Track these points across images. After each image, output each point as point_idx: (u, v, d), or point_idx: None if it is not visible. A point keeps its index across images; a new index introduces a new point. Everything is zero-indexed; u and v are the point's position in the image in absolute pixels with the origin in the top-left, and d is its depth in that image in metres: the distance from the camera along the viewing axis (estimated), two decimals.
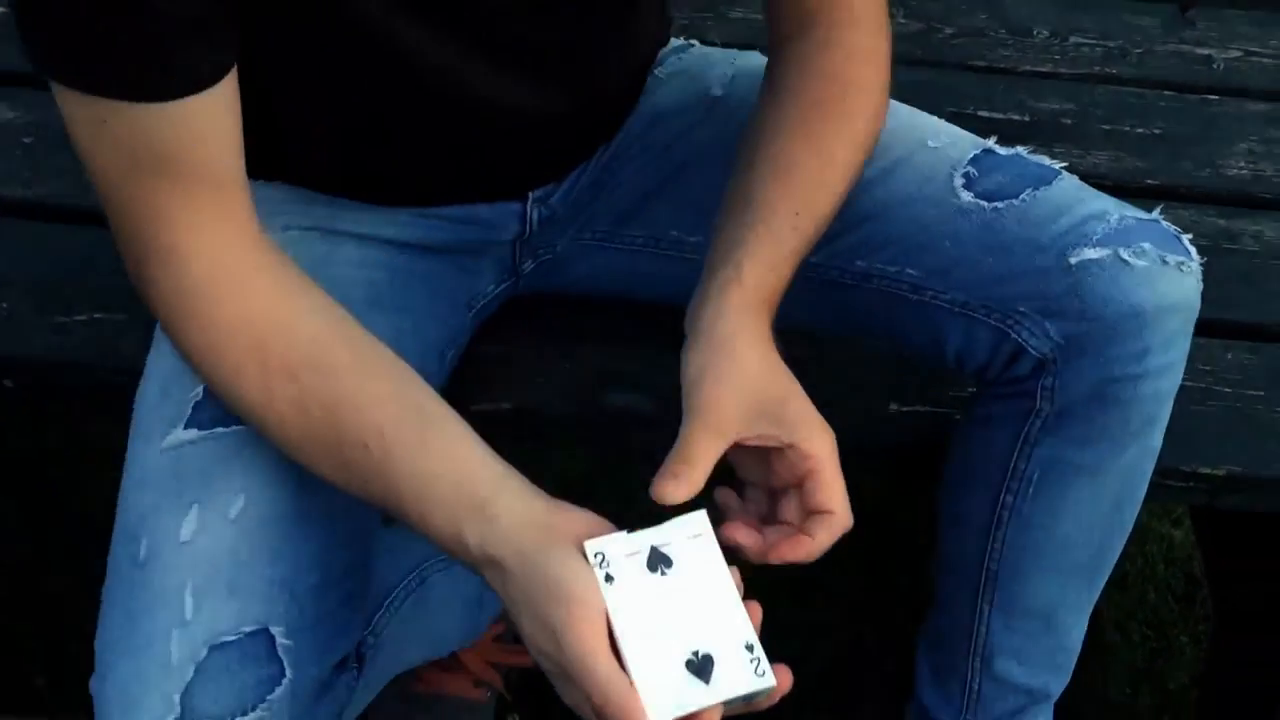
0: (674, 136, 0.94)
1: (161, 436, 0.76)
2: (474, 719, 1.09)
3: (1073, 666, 1.01)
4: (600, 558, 0.66)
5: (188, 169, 0.69)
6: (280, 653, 0.73)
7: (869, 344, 1.03)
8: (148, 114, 0.67)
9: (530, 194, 0.93)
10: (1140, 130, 1.30)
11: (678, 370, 1.01)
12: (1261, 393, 1.06)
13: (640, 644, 0.64)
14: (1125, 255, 0.81)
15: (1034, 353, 0.84)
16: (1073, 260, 0.82)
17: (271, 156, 0.81)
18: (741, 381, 0.73)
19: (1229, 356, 1.09)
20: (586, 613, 0.64)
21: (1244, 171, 1.26)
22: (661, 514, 0.70)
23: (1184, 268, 0.83)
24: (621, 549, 0.66)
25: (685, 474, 0.70)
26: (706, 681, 0.64)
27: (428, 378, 0.90)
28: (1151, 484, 1.01)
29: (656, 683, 0.64)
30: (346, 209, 0.88)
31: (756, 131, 0.81)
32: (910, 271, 0.84)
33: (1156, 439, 0.88)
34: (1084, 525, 0.91)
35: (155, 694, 0.71)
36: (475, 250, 0.95)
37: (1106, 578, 0.96)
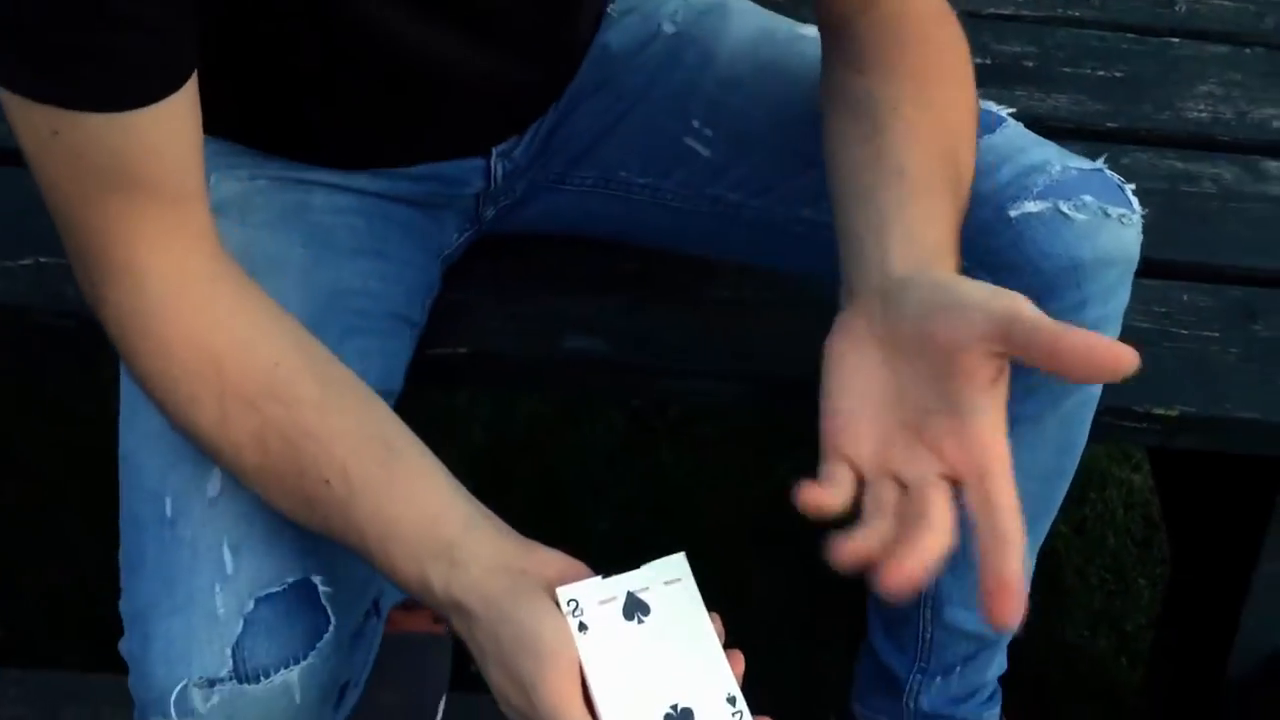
0: (625, 75, 0.93)
1: None
2: (434, 654, 1.09)
3: (1022, 610, 1.01)
4: (574, 605, 0.63)
5: (144, 183, 0.67)
6: (324, 601, 0.72)
7: (820, 290, 1.03)
8: (102, 124, 0.64)
9: (494, 150, 0.92)
10: (1101, 73, 1.29)
11: (633, 314, 1.02)
12: (1216, 334, 1.07)
13: (616, 697, 0.61)
14: (1065, 209, 0.81)
15: None
16: (1013, 214, 0.81)
17: (229, 121, 0.79)
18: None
19: (1185, 299, 1.09)
20: (559, 664, 0.61)
21: (1203, 114, 1.26)
22: (638, 551, 0.67)
23: (1125, 220, 0.83)
24: (596, 595, 0.63)
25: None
26: None
27: (413, 325, 0.90)
28: (1105, 425, 1.02)
29: None
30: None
31: (868, 112, 0.74)
32: None
33: (1096, 387, 0.88)
34: (1027, 474, 0.90)
35: (206, 649, 0.70)
36: (440, 204, 0.94)
37: (1051, 522, 0.97)
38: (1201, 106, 1.27)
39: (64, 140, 0.65)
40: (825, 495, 0.61)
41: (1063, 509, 1.68)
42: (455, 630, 0.66)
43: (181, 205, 0.69)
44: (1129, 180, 0.88)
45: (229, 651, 0.70)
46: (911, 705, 1.03)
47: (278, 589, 0.71)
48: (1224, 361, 1.05)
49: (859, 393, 0.64)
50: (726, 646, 0.65)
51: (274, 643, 0.71)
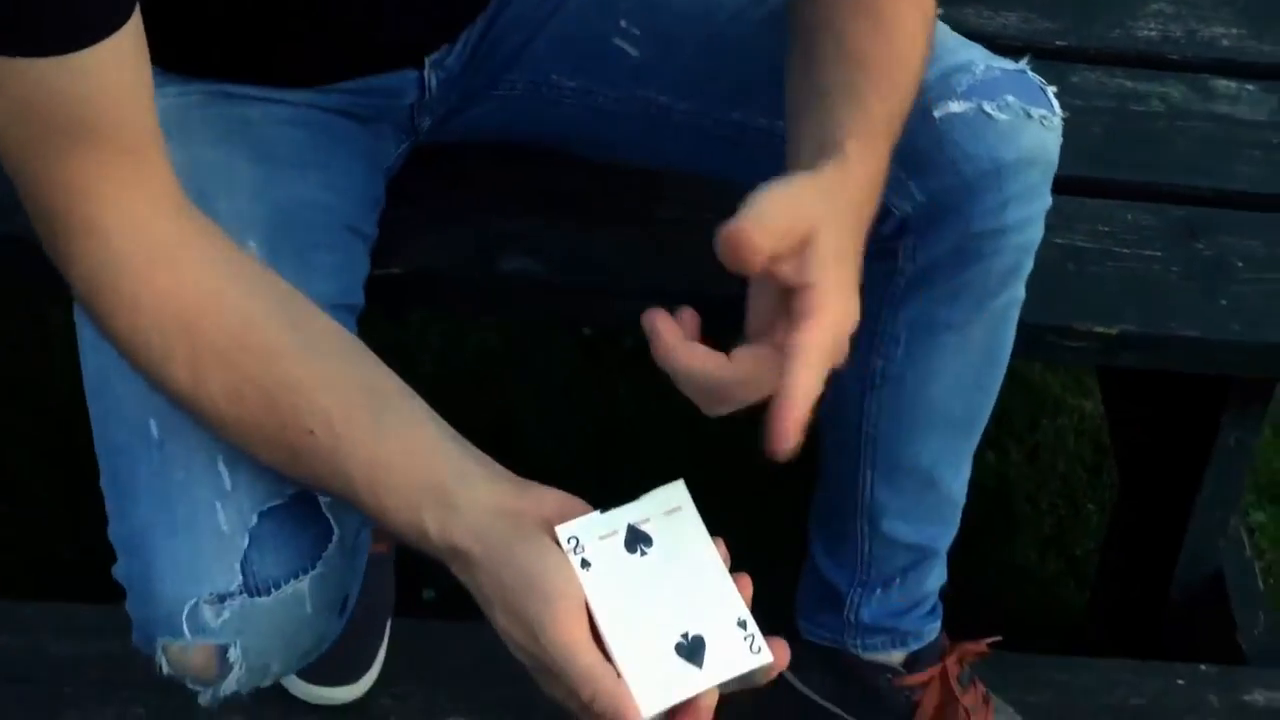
0: None
1: None
2: (378, 573, 1.09)
3: (959, 519, 1.02)
4: (574, 543, 0.61)
5: (99, 131, 0.65)
6: (325, 511, 0.71)
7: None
8: (49, 70, 0.62)
9: (427, 60, 0.90)
10: None
11: (575, 234, 1.01)
12: (1159, 253, 1.07)
13: (624, 631, 0.60)
14: (989, 109, 0.81)
15: (897, 212, 0.83)
16: (937, 114, 0.81)
17: (154, 45, 0.76)
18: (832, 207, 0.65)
19: (1129, 218, 1.09)
20: (566, 605, 0.60)
21: (1153, 33, 1.26)
22: (636, 486, 0.66)
23: (1046, 122, 0.82)
24: (596, 531, 0.62)
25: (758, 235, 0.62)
26: (699, 665, 0.60)
27: (365, 238, 0.89)
28: (1048, 344, 1.02)
29: (646, 671, 0.59)
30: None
31: (811, 22, 0.75)
32: (780, 124, 0.83)
33: (1020, 290, 0.89)
34: (956, 380, 0.91)
35: (215, 566, 0.69)
36: (376, 117, 0.92)
37: (982, 428, 0.97)
38: (1151, 25, 1.26)
39: (12, 93, 0.63)
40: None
41: (1015, 437, 1.72)
42: (455, 575, 0.65)
43: (140, 157, 0.67)
44: (1078, 99, 0.87)
45: (238, 566, 0.70)
46: (853, 618, 1.04)
47: (279, 502, 0.70)
48: (1166, 280, 1.05)
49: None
50: (732, 570, 0.63)
51: (282, 554, 0.70)
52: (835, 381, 0.93)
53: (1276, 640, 1.29)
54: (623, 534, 0.62)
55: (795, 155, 0.72)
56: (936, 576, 1.05)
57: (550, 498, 0.64)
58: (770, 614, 1.20)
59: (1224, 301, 1.04)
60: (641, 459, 1.60)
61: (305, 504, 0.71)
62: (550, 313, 1.03)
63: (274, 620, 0.71)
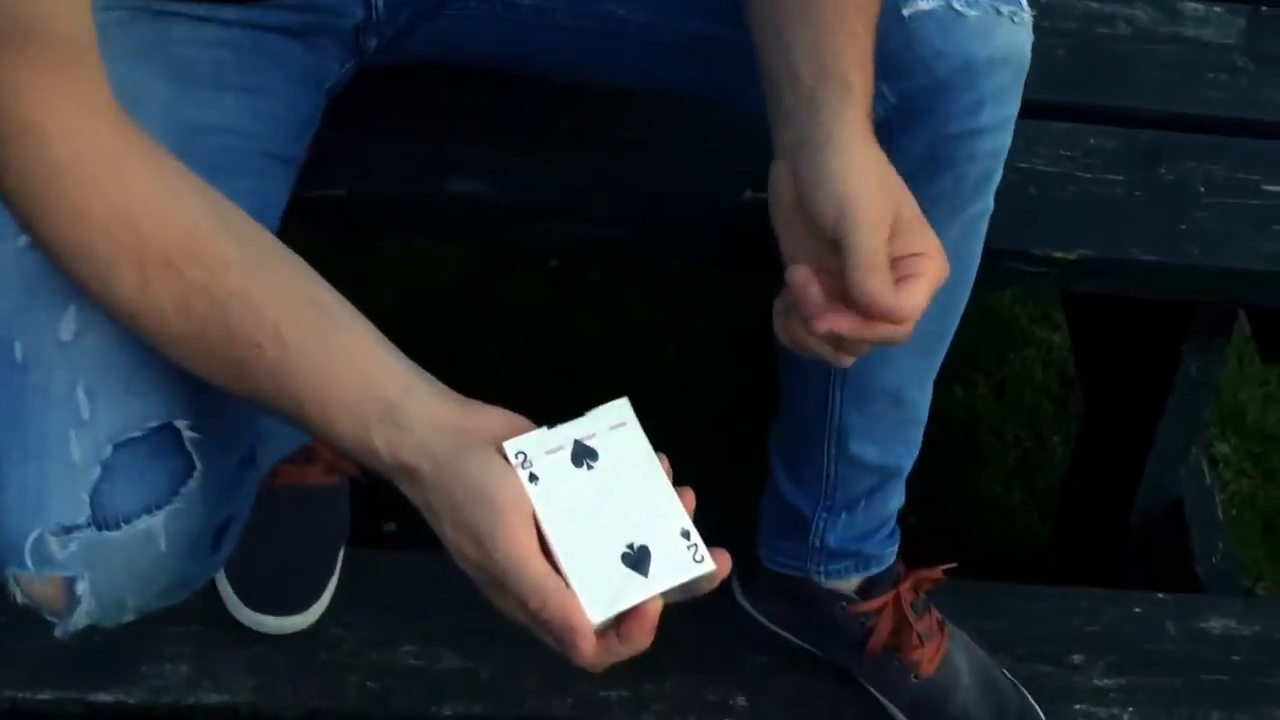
0: None
1: (17, 234, 0.70)
2: (330, 506, 1.08)
3: (921, 439, 1.02)
4: (522, 457, 0.63)
5: (36, 35, 0.63)
6: (189, 446, 0.70)
7: (726, 128, 1.00)
8: None
9: None
10: None
11: (526, 155, 0.98)
12: (1121, 178, 1.05)
13: (572, 542, 0.62)
14: (958, 6, 0.80)
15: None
16: (906, 13, 0.80)
17: None
18: (895, 190, 0.71)
19: (1091, 141, 1.07)
20: (515, 516, 0.61)
21: None
22: (580, 401, 0.67)
23: (1016, 19, 0.81)
24: (543, 446, 0.63)
25: (885, 279, 0.68)
26: (644, 574, 0.62)
27: (289, 162, 0.86)
28: (1006, 269, 1.01)
29: (593, 580, 0.61)
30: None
31: None
32: (741, 34, 0.81)
33: (989, 200, 0.88)
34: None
35: (62, 496, 0.68)
36: (316, 32, 0.89)
37: (947, 347, 0.96)
38: None
39: None
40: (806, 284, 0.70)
41: (982, 370, 1.72)
42: (404, 493, 0.65)
43: (79, 64, 0.65)
44: (1044, 21, 0.85)
45: (86, 497, 0.68)
46: (818, 543, 1.04)
47: (138, 434, 0.69)
48: (1127, 205, 1.04)
49: (807, 255, 0.72)
50: (676, 484, 0.65)
51: (135, 488, 0.68)
52: None
53: (1234, 569, 1.30)
54: (569, 449, 0.64)
55: (790, 74, 0.74)
56: (898, 498, 1.04)
57: (497, 415, 0.65)
58: (728, 543, 1.20)
59: (1184, 226, 1.03)
60: (604, 390, 1.58)
61: (166, 438, 0.70)
62: (500, 238, 1.01)
63: (125, 555, 0.69)
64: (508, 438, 0.63)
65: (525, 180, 0.97)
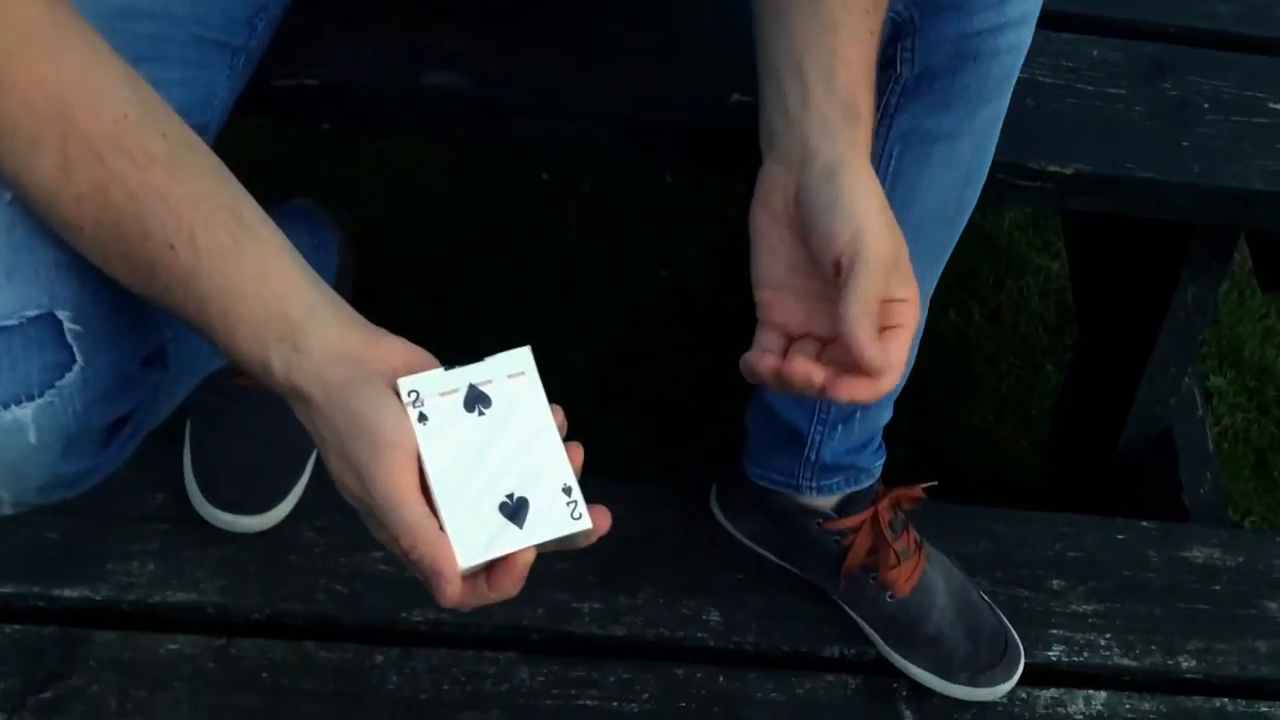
0: None
1: None
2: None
3: (916, 351, 0.99)
4: (414, 396, 0.62)
5: None
6: (69, 339, 0.67)
7: (715, 31, 0.96)
8: None
9: None
10: None
11: (504, 50, 0.95)
12: (1123, 91, 1.02)
13: (452, 486, 0.62)
14: None
15: (892, 15, 0.80)
16: None
17: None
18: (895, 231, 0.70)
19: (1094, 53, 1.04)
20: (395, 455, 0.61)
21: None
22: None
23: None
24: (437, 387, 0.63)
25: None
26: (520, 525, 0.62)
27: (232, 50, 0.82)
28: (1000, 183, 0.98)
29: (467, 526, 0.61)
30: None
31: None
32: None
33: (1006, 101, 0.86)
34: (938, 202, 0.89)
35: None
36: None
37: (947, 259, 0.94)
38: None
39: None
40: (762, 362, 0.70)
41: (978, 296, 1.69)
42: (296, 416, 0.64)
43: None
44: None
45: None
46: (813, 458, 1.02)
47: (13, 322, 0.66)
48: (1128, 120, 1.01)
49: (782, 269, 0.71)
50: (567, 439, 0.65)
51: (4, 376, 0.66)
52: None
53: (1221, 501, 1.28)
54: (463, 393, 0.63)
55: (794, 76, 0.73)
56: (888, 411, 1.02)
57: (399, 349, 0.64)
58: (712, 460, 1.19)
59: (1186, 143, 1.00)
60: (588, 304, 1.57)
61: (44, 328, 0.67)
62: (475, 134, 0.98)
63: None
64: (407, 373, 0.63)
65: (504, 75, 0.94)
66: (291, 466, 1.06)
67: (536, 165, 1.69)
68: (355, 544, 1.06)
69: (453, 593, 0.61)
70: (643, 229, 1.65)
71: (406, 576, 1.03)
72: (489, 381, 0.64)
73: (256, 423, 1.05)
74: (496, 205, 1.65)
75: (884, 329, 0.68)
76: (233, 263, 0.63)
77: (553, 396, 0.66)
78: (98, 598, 1.01)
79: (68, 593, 1.01)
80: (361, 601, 1.04)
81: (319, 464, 1.08)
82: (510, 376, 0.64)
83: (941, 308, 1.64)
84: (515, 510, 0.62)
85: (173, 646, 1.00)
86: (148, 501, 1.05)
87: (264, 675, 1.00)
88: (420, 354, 0.64)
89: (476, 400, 0.63)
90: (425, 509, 0.61)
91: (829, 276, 0.69)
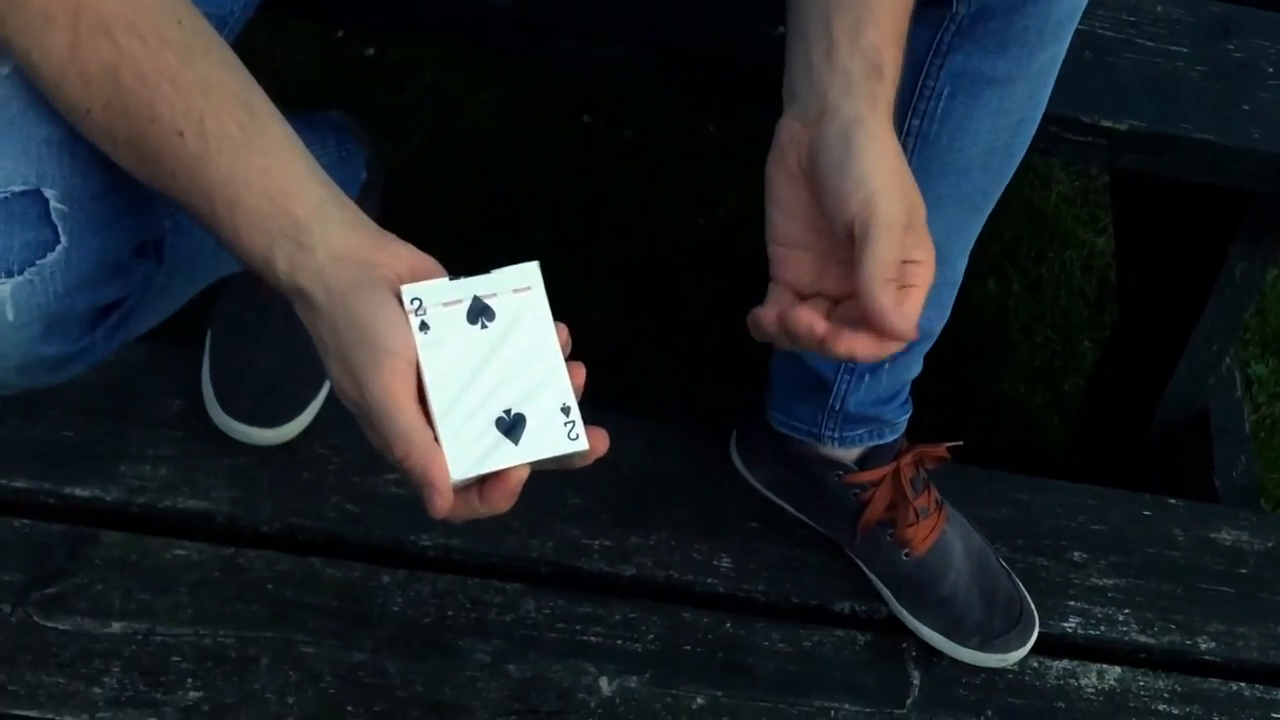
0: None
1: None
2: None
3: (951, 306, 0.97)
4: (417, 304, 0.61)
5: None
6: (55, 218, 0.66)
7: None
8: None
9: None
10: None
11: None
12: (1185, 50, 0.98)
13: (449, 397, 0.61)
14: None
15: None
16: None
17: None
18: (911, 192, 0.68)
19: (1158, 9, 1.00)
20: (393, 362, 0.60)
21: None
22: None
23: None
24: (441, 296, 0.62)
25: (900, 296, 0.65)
26: (515, 441, 0.61)
27: None
28: (1051, 135, 0.95)
29: (462, 438, 0.60)
30: None
31: None
32: None
33: (1064, 47, 0.83)
34: (986, 147, 0.86)
35: None
36: None
37: (990, 210, 0.91)
38: None
39: None
40: (766, 312, 0.68)
41: (1019, 267, 1.66)
42: (298, 314, 0.63)
43: None
44: None
45: None
46: (838, 406, 0.99)
47: None
48: (1188, 79, 0.97)
49: (795, 227, 0.69)
50: (570, 359, 0.63)
51: None
52: None
53: (1254, 485, 1.25)
54: (467, 304, 0.62)
55: (823, 28, 0.70)
56: (918, 365, 1.00)
57: (406, 255, 0.62)
58: (732, 405, 1.17)
59: (1247, 107, 0.96)
60: (622, 247, 1.55)
61: (28, 204, 0.65)
62: (512, 48, 0.95)
63: None
64: (413, 279, 0.62)
65: None
66: (310, 382, 1.05)
67: (579, 108, 1.67)
68: (368, 464, 1.05)
69: (442, 504, 0.60)
70: (682, 176, 1.63)
71: (417, 500, 1.04)
72: (494, 294, 0.62)
73: (278, 336, 1.04)
74: (537, 145, 1.63)
75: (900, 289, 0.66)
76: (240, 153, 0.62)
77: (581, 336, 0.65)
78: (108, 498, 1.01)
79: (79, 491, 1.00)
80: (371, 522, 1.03)
81: None
82: (516, 291, 0.63)
83: (981, 275, 1.61)
84: (511, 426, 0.61)
85: (180, 552, 1.00)
86: (165, 407, 1.05)
87: (269, 587, 0.99)
88: (428, 261, 0.63)
89: (480, 312, 0.62)
90: (420, 419, 0.60)
91: (842, 237, 0.67)
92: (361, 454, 1.05)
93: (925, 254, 0.67)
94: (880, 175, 0.66)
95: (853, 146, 0.67)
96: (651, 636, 1.02)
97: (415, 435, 0.59)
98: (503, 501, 0.61)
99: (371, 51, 1.65)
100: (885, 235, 0.65)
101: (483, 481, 0.61)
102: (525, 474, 0.61)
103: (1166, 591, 1.10)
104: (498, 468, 0.61)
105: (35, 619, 0.95)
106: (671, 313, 1.49)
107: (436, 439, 0.60)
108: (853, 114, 0.68)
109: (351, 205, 0.64)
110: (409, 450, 0.59)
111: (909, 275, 0.67)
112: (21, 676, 0.92)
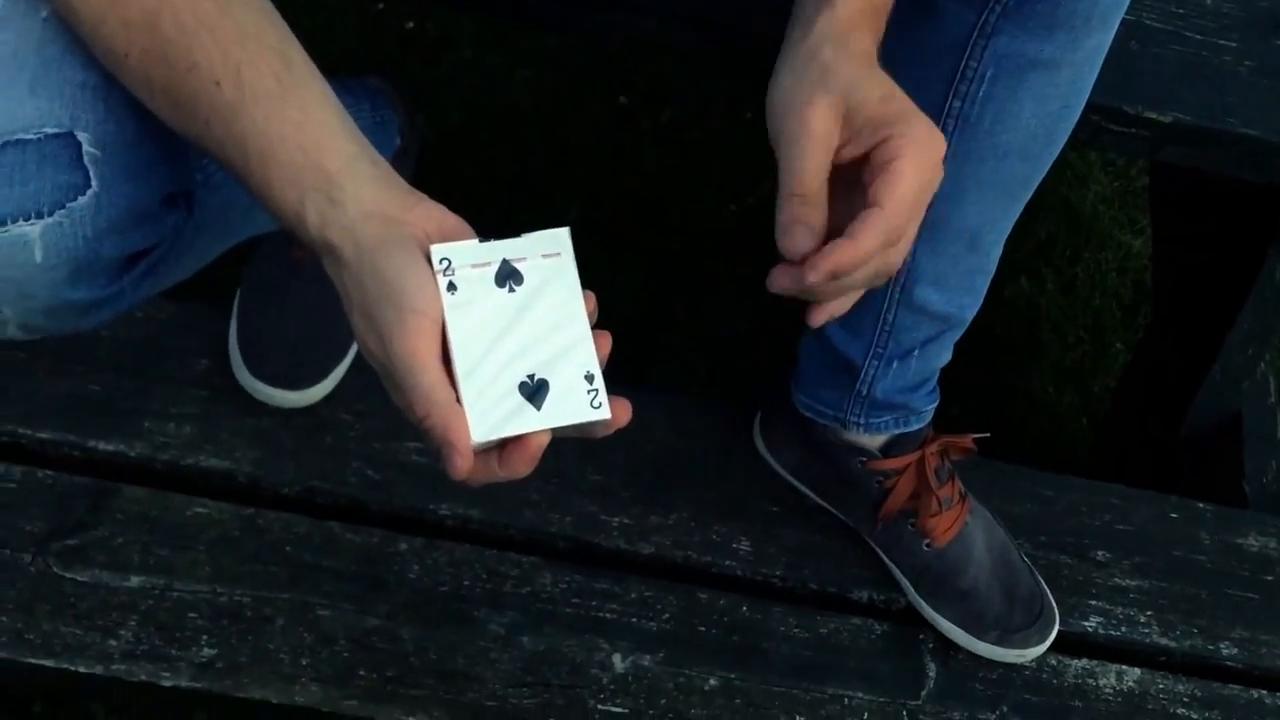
0: None
1: None
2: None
3: (984, 294, 0.96)
4: (446, 264, 0.61)
5: None
6: (87, 161, 0.66)
7: None
8: None
9: None
10: None
11: None
12: (1234, 44, 0.97)
13: (472, 359, 0.61)
14: None
15: None
16: None
17: None
18: (835, 85, 0.66)
19: (1208, 2, 0.99)
20: (418, 321, 0.60)
21: None
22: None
23: None
24: (470, 258, 0.62)
25: (811, 214, 0.65)
26: (537, 406, 0.61)
27: None
28: (1093, 125, 0.94)
29: (484, 400, 0.60)
30: None
31: None
32: None
33: (1111, 34, 0.82)
34: (1027, 132, 0.85)
35: None
36: None
37: (1027, 199, 0.90)
38: None
39: None
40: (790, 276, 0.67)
41: (1053, 265, 1.64)
42: (326, 270, 0.63)
43: None
44: None
45: None
46: (864, 392, 0.99)
47: (30, 136, 0.65)
48: (1235, 74, 0.96)
49: (814, 178, 0.66)
50: (596, 327, 0.63)
51: (15, 190, 0.65)
52: None
53: None
54: (496, 266, 0.62)
55: None
56: (947, 353, 0.99)
57: (436, 215, 0.62)
58: (756, 386, 1.16)
59: None
60: (655, 229, 1.54)
61: (61, 146, 0.65)
62: (542, 12, 0.94)
63: None
64: (441, 240, 0.61)
65: None
66: (337, 346, 1.05)
67: (616, 89, 1.66)
68: (391, 431, 1.05)
69: (462, 465, 0.59)
70: (716, 161, 1.62)
71: (438, 469, 1.04)
72: (523, 258, 0.62)
73: (307, 299, 1.04)
74: (573, 124, 1.63)
75: (877, 172, 0.65)
76: (275, 105, 0.62)
77: (609, 314, 0.65)
78: (132, 454, 1.01)
79: (103, 445, 1.01)
80: (391, 489, 1.03)
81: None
82: (546, 256, 0.63)
83: (1014, 272, 1.59)
84: (534, 391, 0.61)
85: (200, 510, 1.00)
86: (192, 365, 1.05)
87: (287, 549, 0.99)
88: (457, 222, 0.62)
89: (509, 276, 0.62)
90: (443, 378, 0.60)
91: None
92: (384, 421, 1.06)
93: (898, 123, 0.65)
94: (790, 83, 0.66)
95: (778, 64, 0.67)
96: (667, 616, 1.02)
97: (437, 395, 0.59)
98: (522, 466, 0.61)
99: (411, 24, 1.65)
100: (797, 147, 0.65)
101: (503, 445, 0.61)
102: (546, 440, 0.61)
103: (1190, 595, 1.09)
104: (519, 432, 0.61)
105: (54, 569, 0.95)
106: (700, 296, 1.48)
107: (459, 400, 0.60)
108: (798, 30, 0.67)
109: (384, 163, 0.64)
110: (430, 409, 0.59)
111: (885, 152, 0.65)
112: (38, 625, 0.93)
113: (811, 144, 0.65)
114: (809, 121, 0.65)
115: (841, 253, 0.65)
